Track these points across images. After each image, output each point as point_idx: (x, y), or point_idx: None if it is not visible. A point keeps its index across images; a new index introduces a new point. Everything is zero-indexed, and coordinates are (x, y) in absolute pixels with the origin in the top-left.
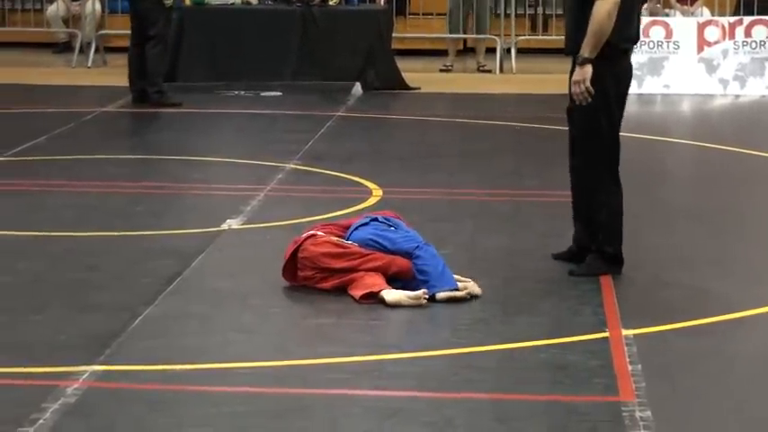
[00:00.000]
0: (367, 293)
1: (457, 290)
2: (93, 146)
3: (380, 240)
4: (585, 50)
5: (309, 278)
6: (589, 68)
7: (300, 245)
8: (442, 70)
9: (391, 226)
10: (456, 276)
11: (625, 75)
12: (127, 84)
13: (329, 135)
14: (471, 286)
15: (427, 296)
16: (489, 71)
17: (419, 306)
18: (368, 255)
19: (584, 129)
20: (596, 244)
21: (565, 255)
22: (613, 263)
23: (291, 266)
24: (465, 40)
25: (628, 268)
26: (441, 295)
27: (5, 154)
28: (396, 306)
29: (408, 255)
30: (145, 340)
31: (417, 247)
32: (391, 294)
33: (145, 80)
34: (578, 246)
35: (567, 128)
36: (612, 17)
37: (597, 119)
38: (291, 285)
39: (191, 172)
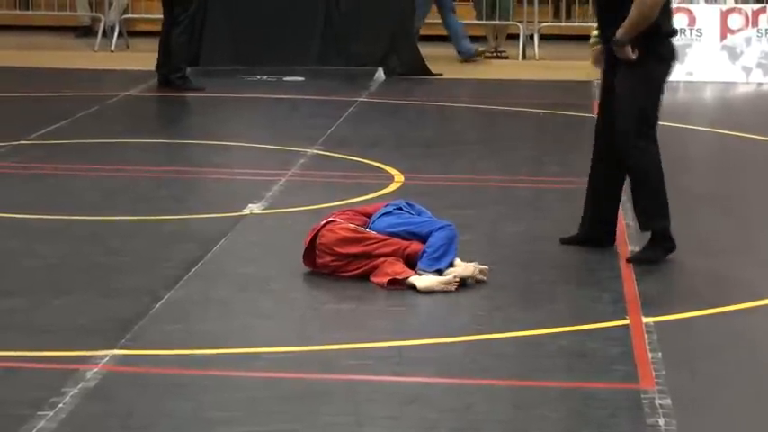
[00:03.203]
0: (392, 280)
1: (439, 273)
2: (116, 130)
3: (403, 228)
4: (625, 37)
5: (328, 265)
6: (628, 47)
7: (318, 231)
8: (487, 57)
9: (414, 213)
10: (465, 264)
11: (671, 59)
12: (150, 68)
13: (351, 121)
14: (462, 270)
15: (458, 280)
16: (506, 57)
17: (450, 291)
18: (384, 240)
19: (627, 111)
20: (643, 227)
21: (574, 239)
22: (664, 243)
23: (311, 253)
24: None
25: None
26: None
27: (29, 137)
28: (428, 292)
29: (429, 236)
30: (166, 324)
31: (440, 228)
32: (423, 281)
33: (169, 65)
34: (602, 221)
35: (588, 114)
36: (657, 8)
37: (641, 102)
38: (312, 271)
39: (213, 157)
